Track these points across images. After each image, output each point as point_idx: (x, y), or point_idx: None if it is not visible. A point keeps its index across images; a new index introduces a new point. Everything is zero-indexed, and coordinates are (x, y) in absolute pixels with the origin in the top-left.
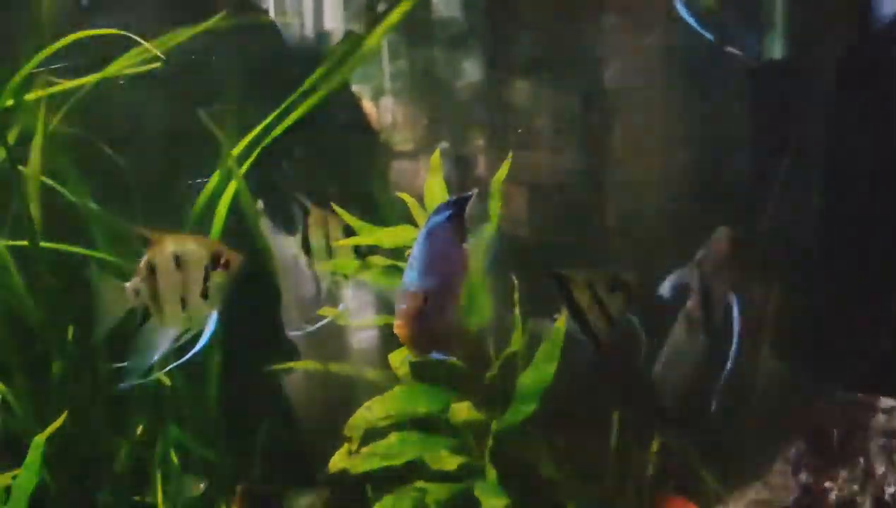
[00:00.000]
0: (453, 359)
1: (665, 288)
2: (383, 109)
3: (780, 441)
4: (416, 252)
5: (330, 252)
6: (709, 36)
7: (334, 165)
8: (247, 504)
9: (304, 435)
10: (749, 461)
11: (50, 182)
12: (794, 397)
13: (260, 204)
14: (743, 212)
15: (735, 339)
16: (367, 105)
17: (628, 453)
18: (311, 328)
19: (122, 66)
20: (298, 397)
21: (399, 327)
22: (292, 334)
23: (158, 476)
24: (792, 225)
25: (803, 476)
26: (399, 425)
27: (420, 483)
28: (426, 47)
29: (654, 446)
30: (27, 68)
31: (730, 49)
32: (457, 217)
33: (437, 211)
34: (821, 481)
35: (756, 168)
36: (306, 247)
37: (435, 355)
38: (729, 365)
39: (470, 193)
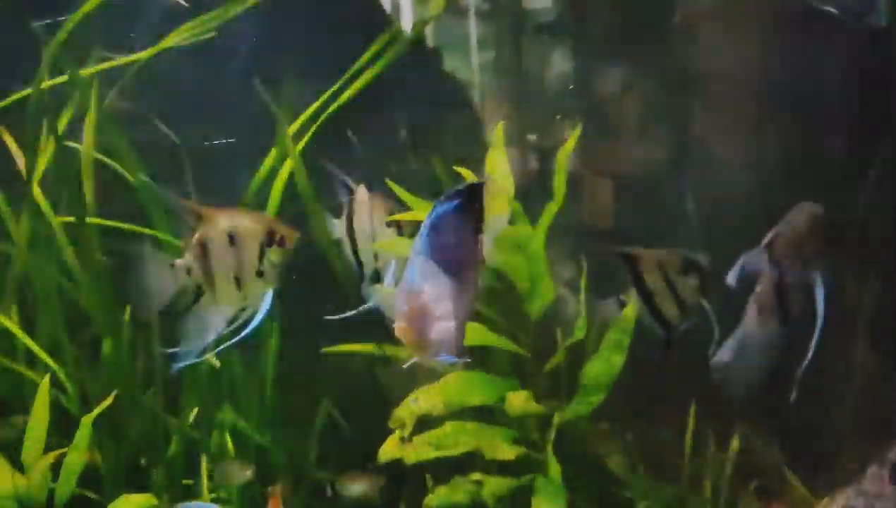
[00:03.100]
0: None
1: (731, 275)
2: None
3: (876, 443)
4: (418, 246)
5: (374, 235)
6: None
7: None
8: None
9: None
10: (841, 464)
11: (104, 158)
12: (892, 395)
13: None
14: (837, 193)
15: (819, 325)
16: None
17: (705, 450)
18: (351, 312)
19: (177, 39)
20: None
21: (400, 329)
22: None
23: (205, 460)
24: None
25: None
26: (457, 412)
27: (477, 476)
28: (513, 38)
29: (734, 444)
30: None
31: (826, 8)
32: (468, 206)
33: (443, 200)
34: None
35: (853, 145)
36: (350, 229)
37: (443, 358)
38: (810, 353)
39: (482, 180)
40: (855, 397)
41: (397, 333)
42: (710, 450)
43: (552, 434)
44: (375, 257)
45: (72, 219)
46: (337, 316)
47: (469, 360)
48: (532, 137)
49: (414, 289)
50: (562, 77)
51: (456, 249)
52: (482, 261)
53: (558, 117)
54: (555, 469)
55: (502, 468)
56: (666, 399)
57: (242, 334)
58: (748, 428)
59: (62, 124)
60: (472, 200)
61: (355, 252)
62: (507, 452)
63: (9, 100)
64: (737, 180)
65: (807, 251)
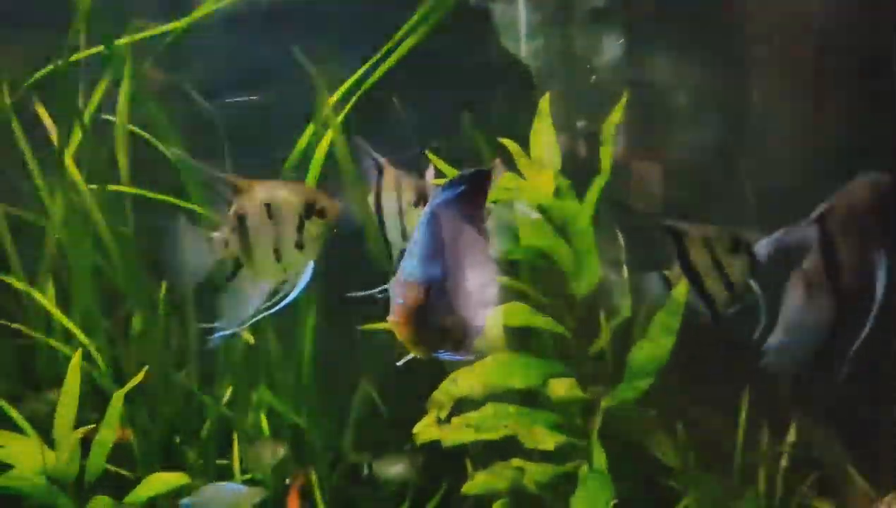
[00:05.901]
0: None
1: (762, 247)
2: None
3: None
4: (417, 235)
5: (402, 214)
6: None
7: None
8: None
9: None
10: None
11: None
12: None
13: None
14: None
15: (878, 300)
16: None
17: (759, 440)
18: (375, 290)
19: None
20: None
21: (395, 324)
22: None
23: (237, 440)
24: None
25: None
26: (500, 395)
27: (518, 462)
28: (563, 25)
29: (791, 434)
30: None
31: None
32: (473, 193)
33: (446, 186)
34: None
35: None
36: (378, 207)
37: (443, 355)
38: (864, 332)
39: (487, 168)
40: None
41: (391, 327)
42: (764, 441)
43: (598, 422)
44: (404, 236)
45: (105, 188)
46: (359, 294)
47: (472, 358)
48: (581, 123)
49: (411, 280)
50: (613, 61)
51: (458, 238)
52: (489, 251)
53: (593, 78)
54: (600, 457)
55: (545, 453)
56: (718, 385)
57: (280, 306)
58: (806, 420)
59: (96, 97)
60: (477, 187)
61: (383, 230)
62: (548, 441)
63: (44, 72)
64: (797, 158)
65: (867, 224)
